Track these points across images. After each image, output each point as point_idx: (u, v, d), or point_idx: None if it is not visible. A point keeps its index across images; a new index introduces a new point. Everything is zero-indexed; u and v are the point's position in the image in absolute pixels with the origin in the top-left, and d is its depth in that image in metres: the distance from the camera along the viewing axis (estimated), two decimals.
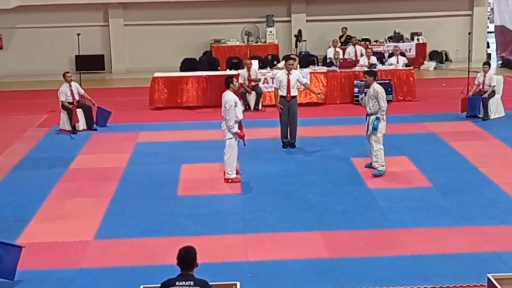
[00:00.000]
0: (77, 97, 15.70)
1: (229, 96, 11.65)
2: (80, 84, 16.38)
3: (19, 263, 8.25)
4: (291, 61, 14.04)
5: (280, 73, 14.11)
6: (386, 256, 8.75)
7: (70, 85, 15.66)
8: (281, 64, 19.16)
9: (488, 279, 6.72)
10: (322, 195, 11.12)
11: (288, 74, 13.80)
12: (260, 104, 17.75)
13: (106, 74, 24.03)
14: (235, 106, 11.59)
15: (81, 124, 15.68)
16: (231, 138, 11.75)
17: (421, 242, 9.18)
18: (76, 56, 22.12)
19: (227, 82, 11.87)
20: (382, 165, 11.96)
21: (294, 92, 13.84)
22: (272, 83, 17.68)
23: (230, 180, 11.80)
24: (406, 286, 7.90)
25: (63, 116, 15.67)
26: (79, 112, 15.63)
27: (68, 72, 16.04)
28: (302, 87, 14.63)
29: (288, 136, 13.93)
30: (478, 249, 8.94)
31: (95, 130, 15.62)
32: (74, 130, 15.45)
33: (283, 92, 13.82)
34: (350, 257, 8.77)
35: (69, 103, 15.55)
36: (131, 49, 24.20)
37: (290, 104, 13.80)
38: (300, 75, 14.25)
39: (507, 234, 9.43)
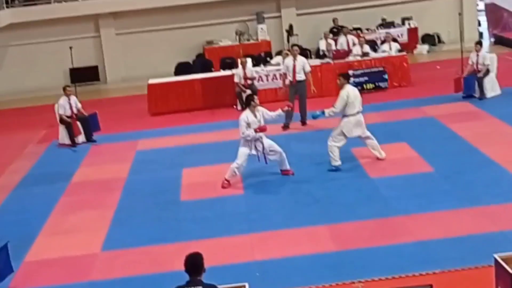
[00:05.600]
0: (75, 111, 15.70)
1: (245, 115, 11.49)
2: (76, 96, 16.38)
3: (32, 280, 8.32)
4: (295, 47, 15.74)
5: (287, 59, 15.51)
6: (393, 245, 8.77)
7: (69, 99, 15.66)
8: (274, 60, 19.23)
9: (495, 259, 6.71)
10: (325, 188, 11.14)
11: (294, 60, 15.13)
12: None
13: (101, 85, 23.98)
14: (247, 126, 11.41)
15: (80, 137, 15.69)
16: None
17: (427, 228, 9.20)
18: (70, 69, 22.13)
19: (248, 100, 11.74)
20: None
21: (300, 77, 15.07)
22: (267, 80, 17.95)
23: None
24: (415, 273, 7.91)
25: (62, 130, 15.67)
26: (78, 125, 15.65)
27: (69, 86, 16.09)
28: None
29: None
30: (484, 229, 8.97)
31: (95, 141, 15.62)
32: (73, 143, 15.44)
33: (290, 77, 15.09)
34: (357, 248, 8.79)
35: (68, 117, 15.55)
36: (124, 57, 24.14)
37: (297, 88, 14.99)
38: (306, 62, 15.34)
39: None
